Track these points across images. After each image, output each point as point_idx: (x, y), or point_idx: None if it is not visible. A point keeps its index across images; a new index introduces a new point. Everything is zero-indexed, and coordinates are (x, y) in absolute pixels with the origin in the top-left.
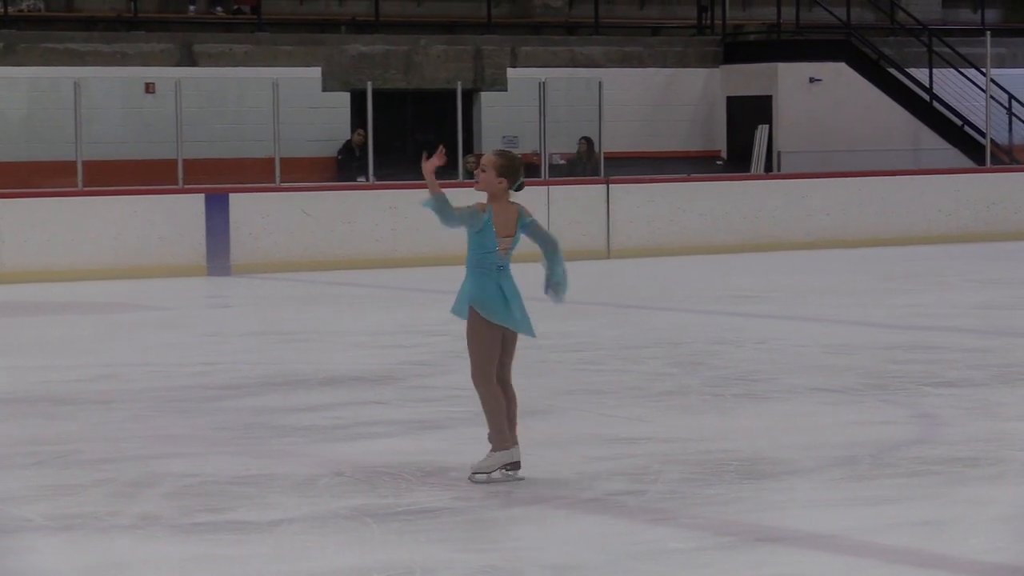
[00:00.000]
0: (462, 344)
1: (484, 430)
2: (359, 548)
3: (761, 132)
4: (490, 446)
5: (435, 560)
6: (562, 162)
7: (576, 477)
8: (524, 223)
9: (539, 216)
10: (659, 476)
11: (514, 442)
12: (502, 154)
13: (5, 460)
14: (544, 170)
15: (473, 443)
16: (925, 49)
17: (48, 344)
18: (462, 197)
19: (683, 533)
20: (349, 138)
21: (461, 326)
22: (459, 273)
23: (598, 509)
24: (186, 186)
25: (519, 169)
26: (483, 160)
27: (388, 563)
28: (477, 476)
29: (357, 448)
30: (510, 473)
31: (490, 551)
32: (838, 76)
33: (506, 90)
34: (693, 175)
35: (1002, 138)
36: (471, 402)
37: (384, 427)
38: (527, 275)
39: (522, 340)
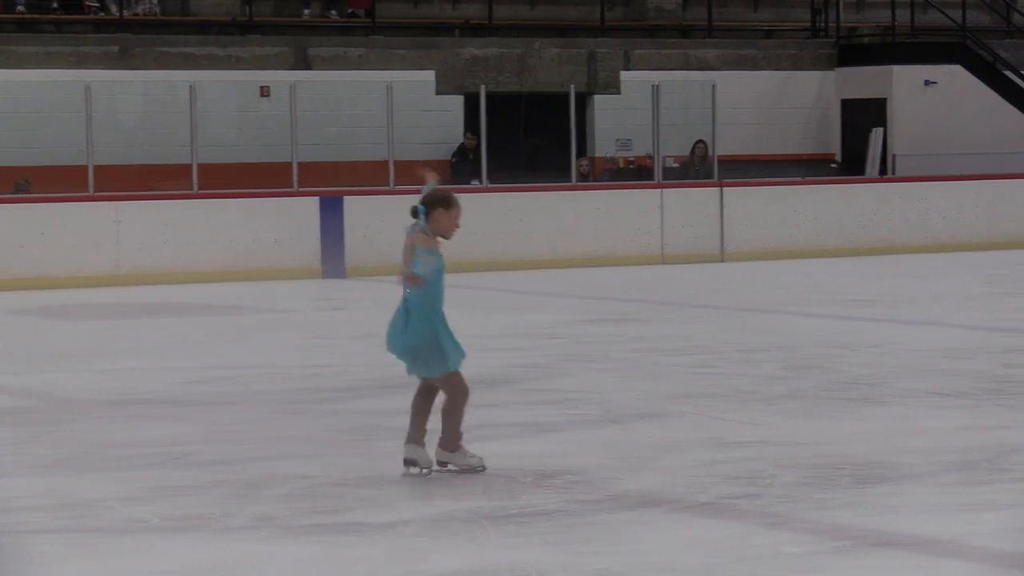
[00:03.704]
0: (578, 347)
1: (599, 432)
2: (473, 550)
3: (876, 135)
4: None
5: (549, 563)
6: (675, 165)
7: (690, 480)
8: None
9: (652, 220)
10: (773, 480)
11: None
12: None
13: (122, 461)
14: (657, 173)
15: (588, 446)
16: None
17: (164, 346)
18: (575, 200)
19: (797, 537)
20: (463, 141)
21: (576, 328)
22: (575, 276)
23: (712, 513)
24: (301, 189)
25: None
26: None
27: (502, 565)
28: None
29: (471, 450)
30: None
31: (604, 554)
32: (953, 79)
33: (619, 93)
34: (807, 178)
35: None
36: (586, 405)
37: (499, 429)
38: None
39: (638, 343)
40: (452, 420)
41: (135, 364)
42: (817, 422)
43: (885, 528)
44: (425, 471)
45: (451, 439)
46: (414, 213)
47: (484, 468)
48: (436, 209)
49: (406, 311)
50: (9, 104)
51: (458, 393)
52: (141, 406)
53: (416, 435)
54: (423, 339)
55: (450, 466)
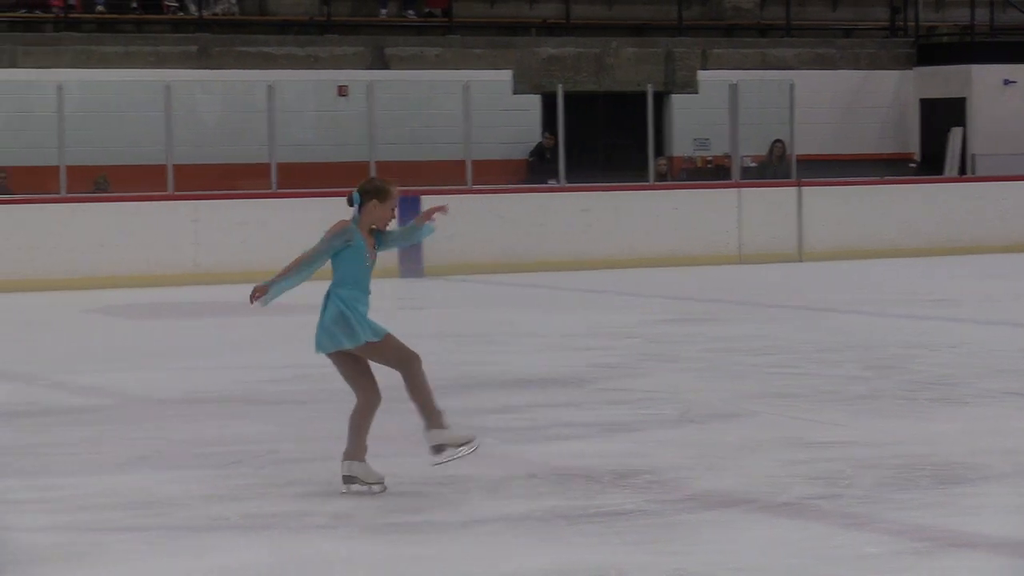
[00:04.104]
0: (655, 347)
1: (677, 432)
2: (551, 550)
3: (955, 135)
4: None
5: (627, 562)
6: (753, 165)
7: (769, 481)
8: (380, 239)
9: (730, 219)
10: (853, 480)
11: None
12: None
13: (203, 459)
14: (735, 173)
15: (665, 446)
16: None
17: (242, 345)
18: (653, 199)
19: (878, 538)
20: (540, 140)
21: (653, 328)
22: (652, 275)
23: (791, 513)
24: None
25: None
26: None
27: (581, 565)
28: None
29: (549, 450)
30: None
31: (682, 554)
32: None
33: (697, 92)
34: (886, 178)
35: None
36: (664, 405)
37: (576, 429)
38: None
39: (715, 343)
40: (422, 394)
41: (213, 363)
42: (897, 422)
43: (966, 529)
44: (376, 487)
45: (432, 416)
46: (350, 201)
47: (474, 441)
48: (370, 201)
49: (324, 299)
50: (89, 103)
51: (406, 357)
52: (219, 405)
53: (354, 451)
54: (337, 312)
55: (447, 451)
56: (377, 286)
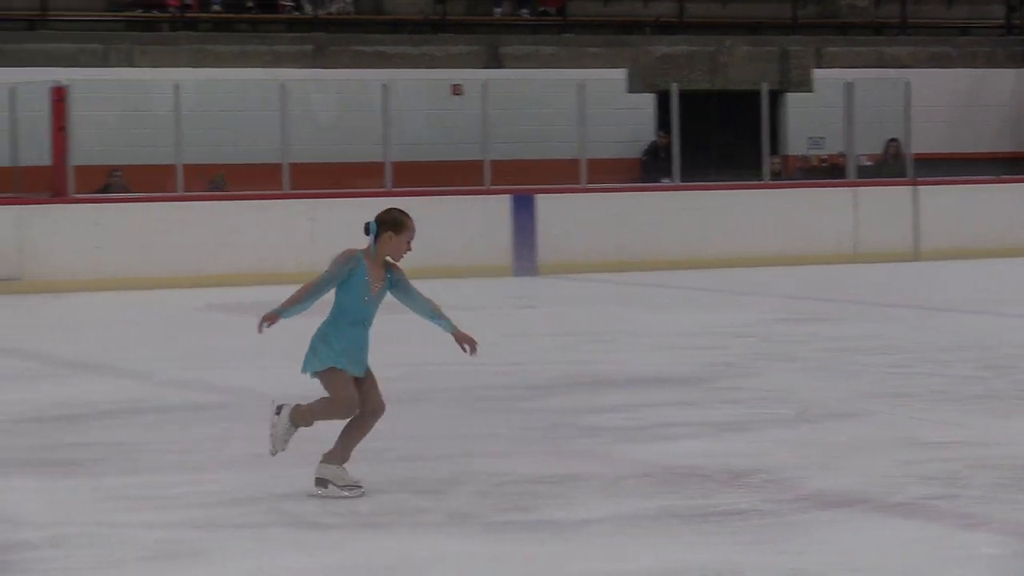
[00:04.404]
0: (770, 346)
1: (792, 431)
2: (665, 549)
3: None
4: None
5: (742, 562)
6: (869, 163)
7: (884, 480)
8: (395, 281)
9: (845, 218)
10: (970, 480)
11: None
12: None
13: (316, 457)
14: (851, 171)
15: (780, 445)
16: None
17: None
18: (767, 198)
19: (996, 538)
20: (654, 139)
21: (768, 327)
22: (767, 274)
23: (908, 513)
24: (492, 187)
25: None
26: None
27: (695, 564)
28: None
29: (663, 449)
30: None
31: (798, 554)
32: None
33: (812, 91)
34: (1003, 177)
35: None
36: (779, 404)
37: (691, 428)
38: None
39: (831, 342)
40: (358, 436)
41: None
42: (1015, 422)
43: None
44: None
45: (344, 453)
46: (366, 230)
47: (361, 492)
48: (386, 232)
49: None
50: (205, 102)
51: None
52: None
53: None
54: (313, 337)
55: (332, 488)
56: (490, 285)
